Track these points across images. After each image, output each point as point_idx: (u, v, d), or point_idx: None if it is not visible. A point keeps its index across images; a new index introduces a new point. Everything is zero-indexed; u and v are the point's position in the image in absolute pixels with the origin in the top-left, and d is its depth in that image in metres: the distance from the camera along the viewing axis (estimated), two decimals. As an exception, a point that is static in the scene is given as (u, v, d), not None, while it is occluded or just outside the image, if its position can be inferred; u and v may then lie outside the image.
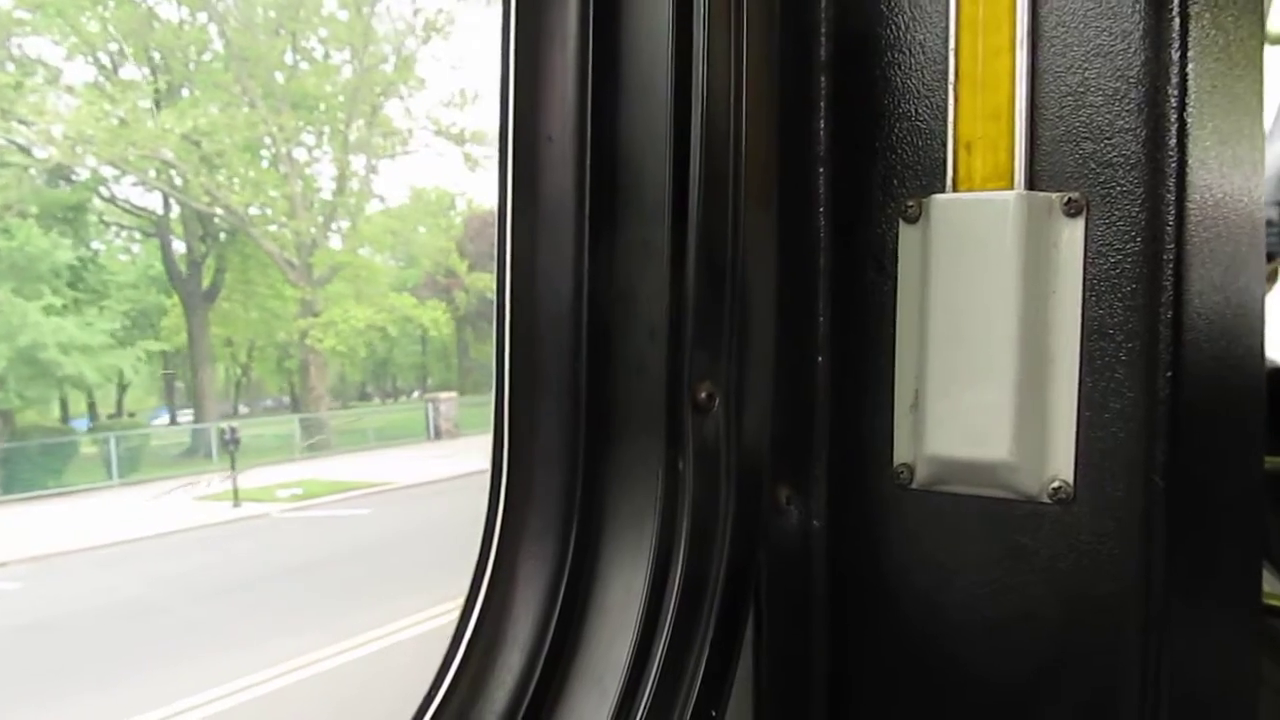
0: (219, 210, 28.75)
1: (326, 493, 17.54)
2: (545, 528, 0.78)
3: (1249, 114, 0.87)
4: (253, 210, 30.30)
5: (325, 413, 30.62)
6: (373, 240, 33.00)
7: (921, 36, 0.78)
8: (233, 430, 20.26)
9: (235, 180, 29.07)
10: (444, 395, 33.43)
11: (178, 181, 27.61)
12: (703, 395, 0.77)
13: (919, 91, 0.79)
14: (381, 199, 35.86)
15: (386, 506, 16.15)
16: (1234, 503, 0.88)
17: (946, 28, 0.77)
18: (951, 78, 0.77)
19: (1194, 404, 0.73)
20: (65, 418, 26.45)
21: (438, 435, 29.80)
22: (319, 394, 30.70)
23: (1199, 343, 0.74)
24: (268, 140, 29.34)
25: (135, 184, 26.39)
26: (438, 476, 19.07)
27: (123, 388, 29.38)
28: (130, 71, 26.39)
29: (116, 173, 25.78)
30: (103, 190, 26.94)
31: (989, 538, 0.77)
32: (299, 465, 22.83)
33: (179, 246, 29.68)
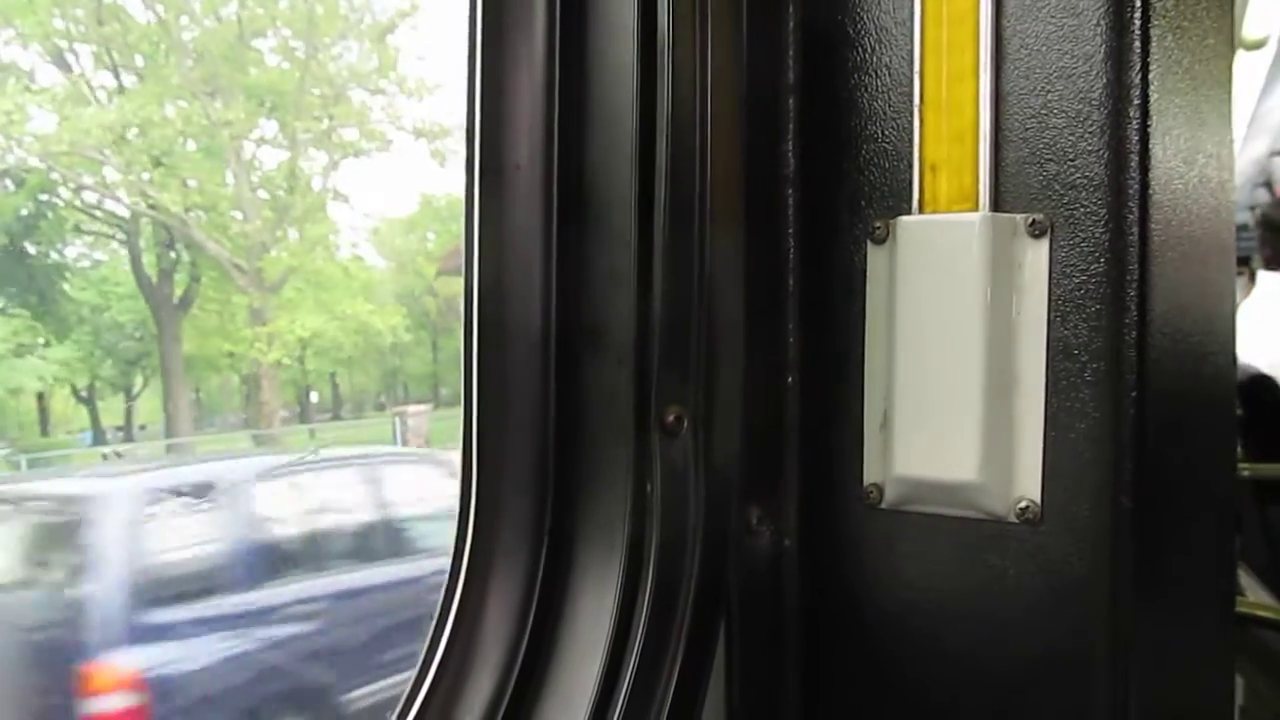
0: (154, 212, 28.53)
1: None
2: (515, 551, 0.85)
3: (1216, 132, 0.95)
4: (198, 212, 30.08)
5: (278, 429, 30.44)
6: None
7: (888, 59, 0.86)
8: (116, 455, 20.10)
9: (176, 178, 28.91)
10: (413, 408, 33.47)
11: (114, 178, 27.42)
12: (670, 419, 0.84)
13: (885, 114, 0.87)
14: (346, 198, 35.70)
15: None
16: (1204, 517, 0.96)
17: (912, 51, 0.85)
18: (917, 100, 0.84)
19: (1161, 423, 0.80)
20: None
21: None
22: (272, 409, 30.61)
23: (1165, 362, 0.81)
24: (213, 135, 29.18)
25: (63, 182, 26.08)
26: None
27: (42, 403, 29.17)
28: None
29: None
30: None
31: (958, 557, 0.84)
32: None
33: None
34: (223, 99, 28.99)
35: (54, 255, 25.83)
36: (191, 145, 29.55)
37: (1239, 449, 3.22)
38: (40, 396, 26.90)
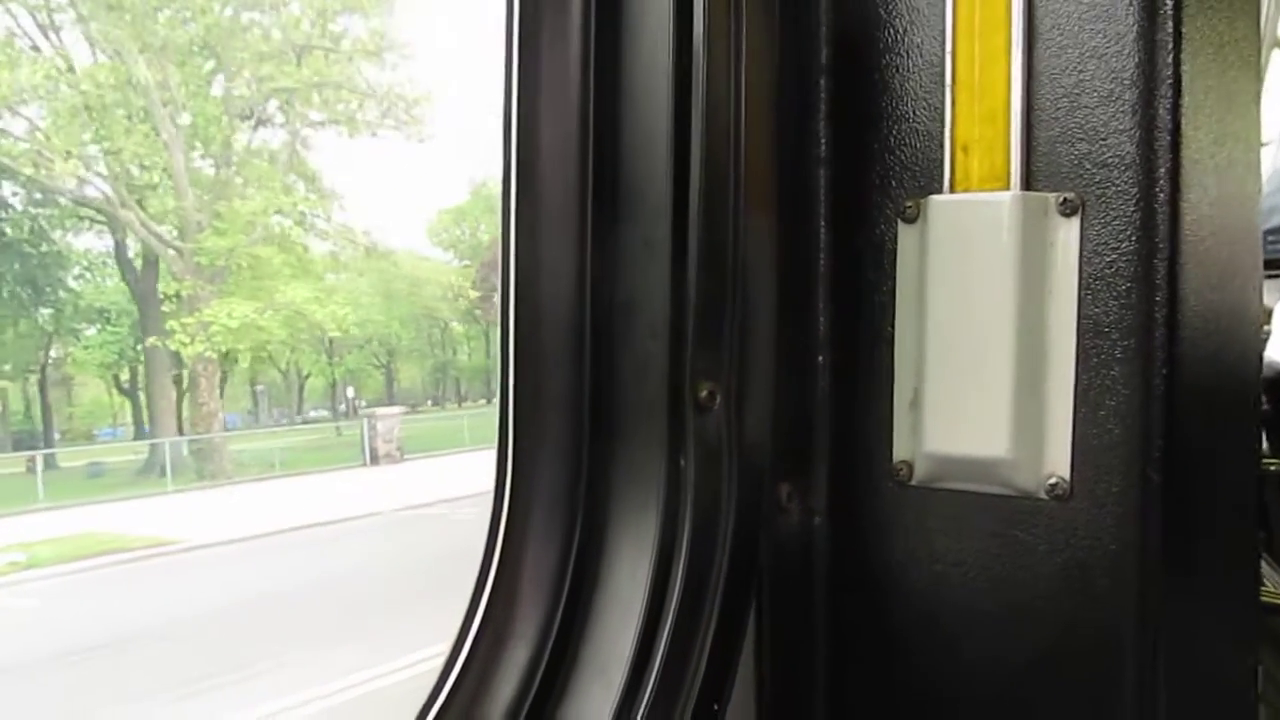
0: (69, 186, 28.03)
1: (76, 556, 17.00)
2: (550, 525, 0.95)
3: (1245, 115, 1.05)
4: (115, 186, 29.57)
5: (216, 435, 30.02)
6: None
7: (919, 39, 0.96)
8: (30, 461, 20.03)
9: (96, 149, 28.41)
10: (384, 411, 32.86)
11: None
12: (704, 394, 0.94)
13: (916, 94, 0.97)
14: (303, 176, 35.20)
15: (97, 587, 15.19)
16: (1228, 499, 1.07)
17: (944, 31, 0.94)
18: (949, 80, 0.94)
19: (1189, 401, 0.89)
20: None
21: (374, 459, 29.37)
22: (210, 410, 30.26)
23: (1194, 340, 0.90)
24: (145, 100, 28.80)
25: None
26: (282, 526, 18.99)
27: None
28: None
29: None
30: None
31: (987, 533, 0.95)
32: (128, 506, 22.96)
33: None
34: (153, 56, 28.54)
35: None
36: (119, 112, 29.24)
37: (1265, 445, 3.36)
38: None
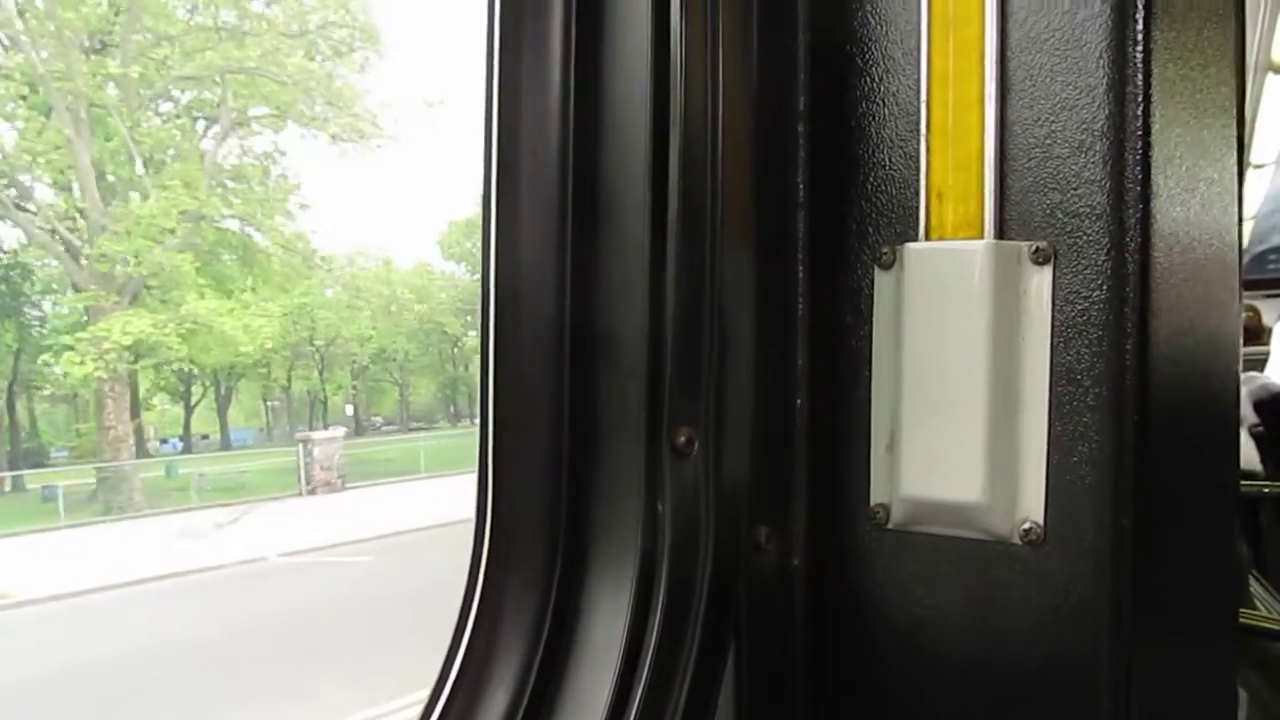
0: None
1: None
2: (531, 567, 1.00)
3: (1219, 158, 1.12)
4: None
5: (126, 462, 28.92)
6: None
7: (895, 88, 1.03)
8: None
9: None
10: (321, 434, 31.67)
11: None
12: (682, 440, 0.99)
13: (893, 142, 1.04)
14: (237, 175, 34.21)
15: None
16: (1206, 534, 1.15)
17: (918, 80, 1.02)
18: (924, 129, 1.01)
19: (1162, 446, 0.96)
20: None
21: (311, 489, 28.57)
22: (119, 435, 29.26)
23: (1166, 386, 0.96)
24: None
25: None
26: (133, 576, 18.38)
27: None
28: None
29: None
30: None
31: (963, 578, 1.01)
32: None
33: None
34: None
35: None
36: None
37: (1262, 467, 3.53)
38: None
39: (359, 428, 55.21)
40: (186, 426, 49.45)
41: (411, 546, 20.21)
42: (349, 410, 55.47)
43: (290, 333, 40.55)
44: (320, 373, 50.29)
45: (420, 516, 23.15)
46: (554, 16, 0.99)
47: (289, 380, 50.08)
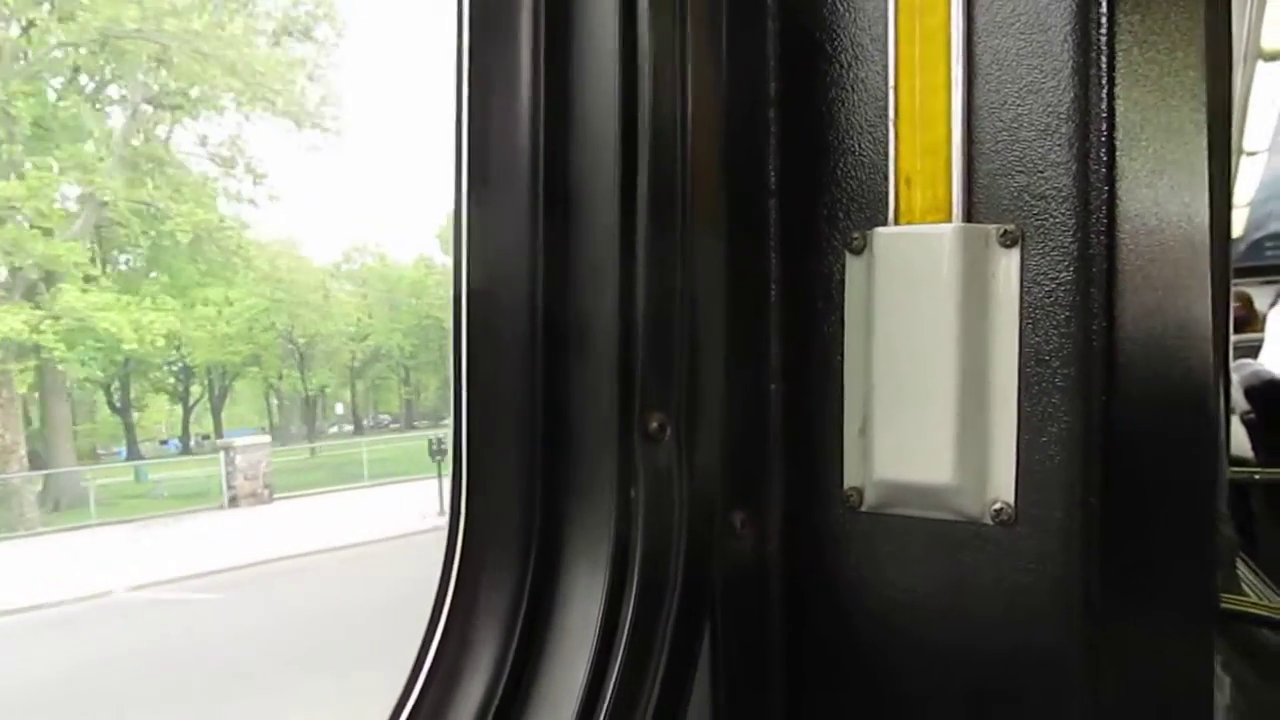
0: None
1: None
2: (504, 557, 1.02)
3: (1188, 141, 1.15)
4: None
5: (17, 474, 27.09)
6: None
7: (864, 74, 1.06)
8: None
9: None
10: (244, 441, 30.27)
11: None
12: (654, 426, 1.01)
13: (862, 128, 1.06)
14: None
15: None
16: (1181, 517, 1.17)
17: (886, 66, 1.04)
18: (892, 114, 1.04)
19: (1130, 426, 0.98)
20: None
21: (233, 501, 27.37)
22: (6, 445, 27.29)
23: (1133, 365, 0.99)
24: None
25: None
26: None
27: None
28: None
29: None
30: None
31: (935, 559, 1.04)
32: None
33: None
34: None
35: None
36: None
37: (1253, 453, 3.61)
38: None
39: (358, 427, 54.96)
40: (130, 431, 48.00)
41: (282, 577, 18.14)
42: (339, 409, 55.15)
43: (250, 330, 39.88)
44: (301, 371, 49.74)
45: (328, 536, 20.87)
46: (523, 3, 1.01)
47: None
